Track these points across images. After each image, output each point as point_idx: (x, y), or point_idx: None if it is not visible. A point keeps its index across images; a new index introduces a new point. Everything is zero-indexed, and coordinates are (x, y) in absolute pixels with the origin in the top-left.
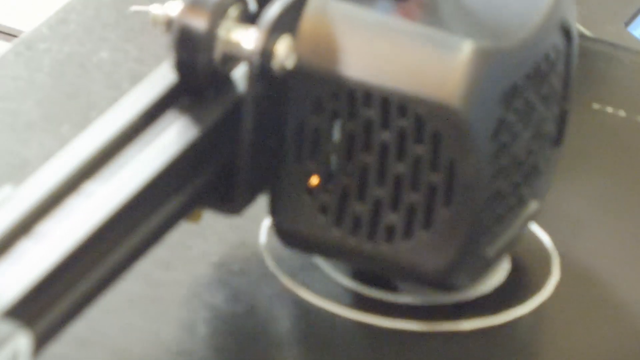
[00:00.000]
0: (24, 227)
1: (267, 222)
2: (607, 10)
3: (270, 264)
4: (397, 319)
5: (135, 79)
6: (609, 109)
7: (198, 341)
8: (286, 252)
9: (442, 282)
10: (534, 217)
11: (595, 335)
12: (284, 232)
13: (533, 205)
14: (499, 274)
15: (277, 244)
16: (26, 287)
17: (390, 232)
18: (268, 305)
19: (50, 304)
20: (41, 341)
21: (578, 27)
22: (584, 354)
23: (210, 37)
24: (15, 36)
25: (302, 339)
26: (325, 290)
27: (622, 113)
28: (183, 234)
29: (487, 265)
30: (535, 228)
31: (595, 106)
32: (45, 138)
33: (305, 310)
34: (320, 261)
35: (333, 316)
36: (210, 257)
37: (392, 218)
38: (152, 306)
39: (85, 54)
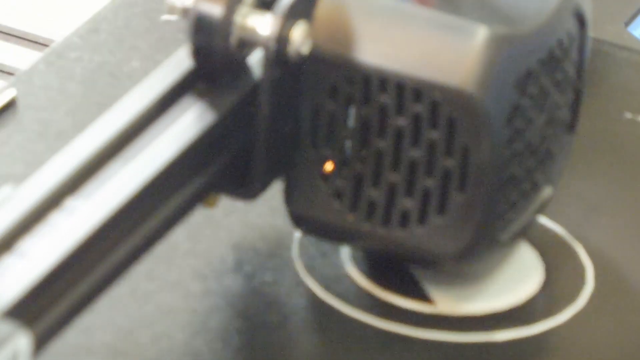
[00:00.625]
0: (25, 225)
1: (298, 234)
2: (607, 10)
3: (303, 274)
4: (430, 329)
5: None
6: (609, 109)
7: (231, 351)
8: (318, 262)
9: (457, 267)
10: (547, 203)
11: (629, 345)
12: (298, 217)
13: (547, 191)
14: (533, 285)
15: (310, 255)
16: (26, 287)
17: (404, 217)
18: (301, 315)
19: (50, 304)
20: (41, 341)
21: None
22: None
23: (226, 23)
24: (46, 45)
25: (335, 349)
26: (358, 301)
27: (621, 112)
28: (216, 244)
29: (501, 250)
30: (569, 237)
31: (595, 106)
32: None
33: (337, 321)
34: (352, 271)
35: (365, 326)
36: (243, 267)
37: (406, 203)
38: (185, 317)
39: (116, 64)
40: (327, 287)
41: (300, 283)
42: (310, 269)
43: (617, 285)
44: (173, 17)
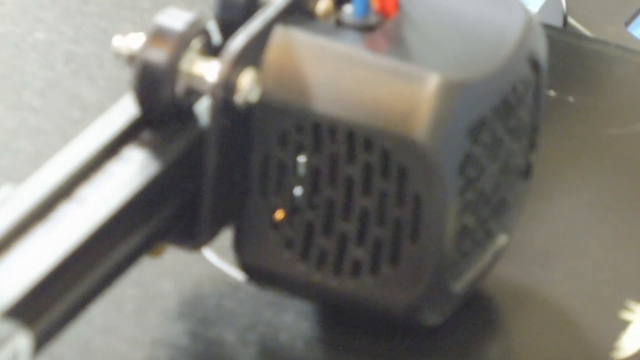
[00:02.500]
0: (22, 228)
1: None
2: (607, 10)
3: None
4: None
5: (70, 59)
6: (609, 109)
7: (124, 318)
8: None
9: (409, 319)
10: (502, 251)
11: (539, 339)
12: (248, 267)
13: (502, 239)
14: None
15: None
16: (26, 287)
17: (356, 267)
18: (195, 282)
19: (50, 304)
20: (41, 341)
21: (578, 27)
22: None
23: (172, 70)
24: None
25: (229, 315)
26: None
27: (619, 112)
28: None
29: (455, 301)
30: None
31: (594, 105)
32: None
33: (233, 287)
34: None
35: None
36: None
37: (358, 253)
38: None
39: (20, 34)
40: (222, 254)
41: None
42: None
43: (533, 277)
44: None
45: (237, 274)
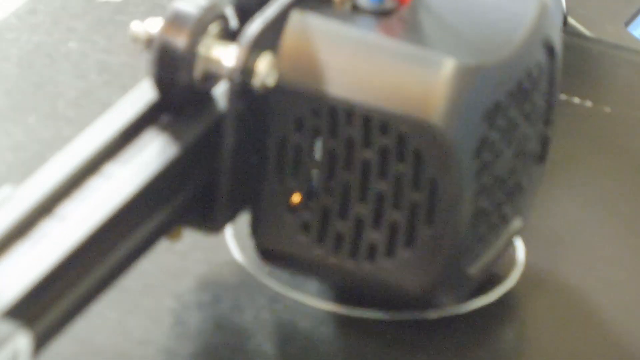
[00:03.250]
0: (22, 229)
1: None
2: (607, 10)
3: (235, 252)
4: (361, 308)
5: (103, 69)
6: (608, 109)
7: (163, 330)
8: (250, 242)
9: (424, 301)
10: (516, 235)
11: (560, 325)
12: (265, 250)
13: (516, 223)
14: None
15: (243, 234)
16: (26, 287)
17: (372, 250)
18: (233, 294)
19: (50, 304)
20: (41, 341)
21: (578, 27)
22: (548, 343)
23: (190, 55)
24: None
25: (267, 327)
26: (291, 280)
27: (620, 112)
28: None
29: (470, 284)
30: None
31: (594, 105)
32: (12, 128)
33: (270, 299)
34: None
35: (299, 304)
36: (176, 246)
37: (374, 236)
38: (117, 295)
39: (53, 44)
40: (260, 266)
41: (232, 261)
42: (243, 248)
43: (547, 265)
44: None
45: (275, 285)
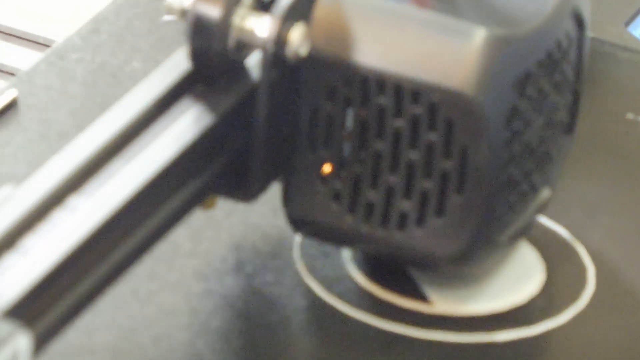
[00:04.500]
0: (27, 224)
1: (299, 238)
2: (607, 10)
3: (304, 274)
4: (430, 330)
5: None
6: (609, 109)
7: (233, 352)
8: (319, 263)
9: (455, 268)
10: (546, 204)
11: (630, 346)
12: (297, 219)
13: (545, 193)
14: (534, 285)
15: (311, 255)
16: (26, 287)
17: (403, 219)
18: (302, 315)
19: (50, 304)
20: (41, 341)
21: None
22: None
23: (224, 25)
24: (47, 46)
25: (335, 349)
26: (358, 301)
27: (620, 112)
28: (218, 244)
29: (500, 252)
30: (570, 238)
31: (595, 106)
32: None
33: (338, 321)
34: (353, 271)
35: (367, 327)
36: (244, 267)
37: (404, 205)
38: (186, 317)
39: (117, 64)
40: (328, 288)
41: (302, 283)
42: (312, 270)
43: (618, 286)
44: (174, 18)
45: (342, 307)
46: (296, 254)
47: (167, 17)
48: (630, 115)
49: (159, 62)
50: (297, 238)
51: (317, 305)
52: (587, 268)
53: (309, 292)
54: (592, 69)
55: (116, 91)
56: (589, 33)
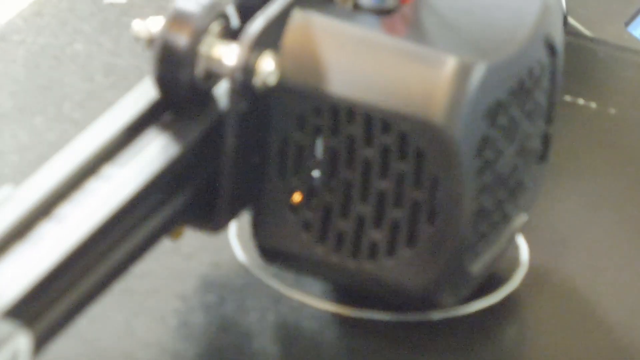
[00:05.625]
0: (21, 230)
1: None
2: (607, 10)
3: (241, 254)
4: (367, 310)
5: (109, 71)
6: (608, 109)
7: (169, 332)
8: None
9: (426, 300)
10: (518, 234)
11: (563, 326)
12: (266, 249)
13: (518, 221)
14: None
15: (248, 236)
16: (26, 287)
17: (373, 249)
18: (239, 296)
19: (50, 304)
20: (41, 341)
21: (578, 27)
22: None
23: (191, 53)
24: None
25: (273, 328)
26: (295, 281)
27: (621, 113)
28: None
29: (472, 282)
30: None
31: (595, 106)
32: (18, 129)
33: (276, 300)
34: None
35: (303, 306)
36: (182, 249)
37: (375, 235)
38: (123, 297)
39: (59, 46)
40: (265, 268)
41: (239, 264)
42: (249, 251)
43: (551, 267)
44: (116, 1)
45: (279, 287)
46: (233, 234)
47: (108, 0)
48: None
49: (101, 44)
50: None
51: (253, 285)
52: (521, 248)
53: (245, 271)
54: (592, 69)
55: (57, 73)
56: (588, 33)
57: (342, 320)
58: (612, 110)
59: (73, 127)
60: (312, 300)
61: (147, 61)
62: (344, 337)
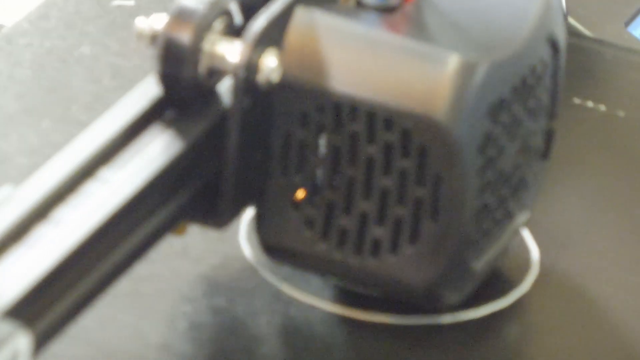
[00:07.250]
0: (23, 229)
1: (247, 217)
2: (607, 10)
3: (250, 257)
4: (377, 313)
5: (116, 73)
6: (608, 109)
7: (178, 335)
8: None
9: (429, 297)
10: (520, 231)
11: (573, 330)
12: (269, 246)
13: (520, 217)
14: None
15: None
16: (26, 287)
17: (376, 246)
18: (248, 298)
19: (50, 304)
20: (41, 341)
21: (578, 27)
22: (562, 348)
23: (195, 50)
24: None
25: (282, 331)
26: (307, 285)
27: (621, 113)
28: None
29: (474, 280)
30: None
31: (604, 108)
32: (25, 132)
33: (285, 303)
34: None
35: (313, 309)
36: (190, 251)
37: (378, 232)
38: (132, 300)
39: (66, 49)
40: (274, 270)
41: (248, 266)
42: (258, 253)
43: (561, 270)
44: (123, 3)
45: (289, 289)
46: (242, 236)
47: (116, 2)
48: (623, 114)
49: (107, 46)
50: (243, 223)
51: (262, 288)
52: (531, 251)
53: (255, 274)
54: (592, 69)
55: (64, 76)
56: (588, 34)
57: (351, 324)
58: (621, 113)
59: (80, 129)
60: (322, 303)
61: (153, 63)
62: (353, 340)
